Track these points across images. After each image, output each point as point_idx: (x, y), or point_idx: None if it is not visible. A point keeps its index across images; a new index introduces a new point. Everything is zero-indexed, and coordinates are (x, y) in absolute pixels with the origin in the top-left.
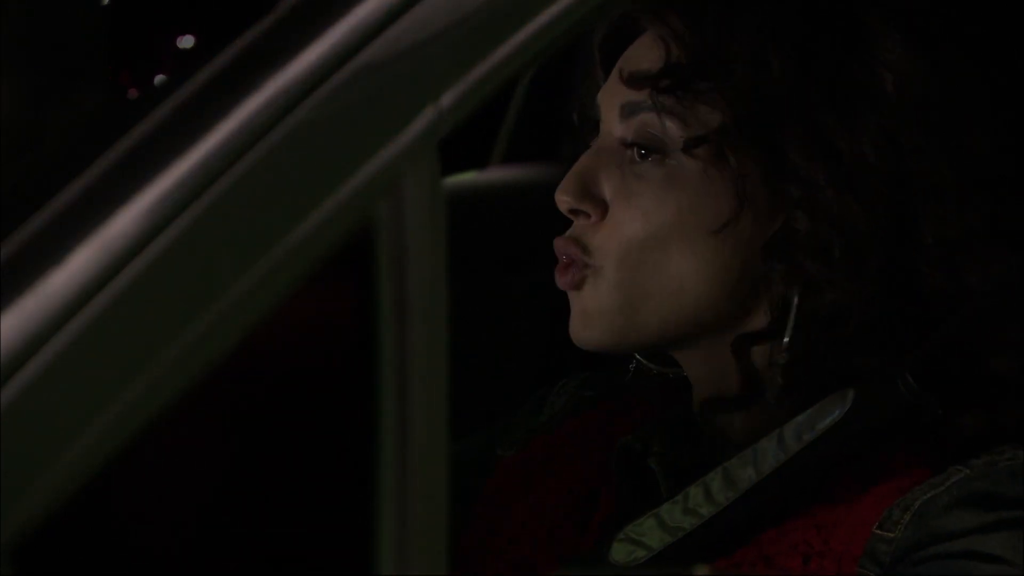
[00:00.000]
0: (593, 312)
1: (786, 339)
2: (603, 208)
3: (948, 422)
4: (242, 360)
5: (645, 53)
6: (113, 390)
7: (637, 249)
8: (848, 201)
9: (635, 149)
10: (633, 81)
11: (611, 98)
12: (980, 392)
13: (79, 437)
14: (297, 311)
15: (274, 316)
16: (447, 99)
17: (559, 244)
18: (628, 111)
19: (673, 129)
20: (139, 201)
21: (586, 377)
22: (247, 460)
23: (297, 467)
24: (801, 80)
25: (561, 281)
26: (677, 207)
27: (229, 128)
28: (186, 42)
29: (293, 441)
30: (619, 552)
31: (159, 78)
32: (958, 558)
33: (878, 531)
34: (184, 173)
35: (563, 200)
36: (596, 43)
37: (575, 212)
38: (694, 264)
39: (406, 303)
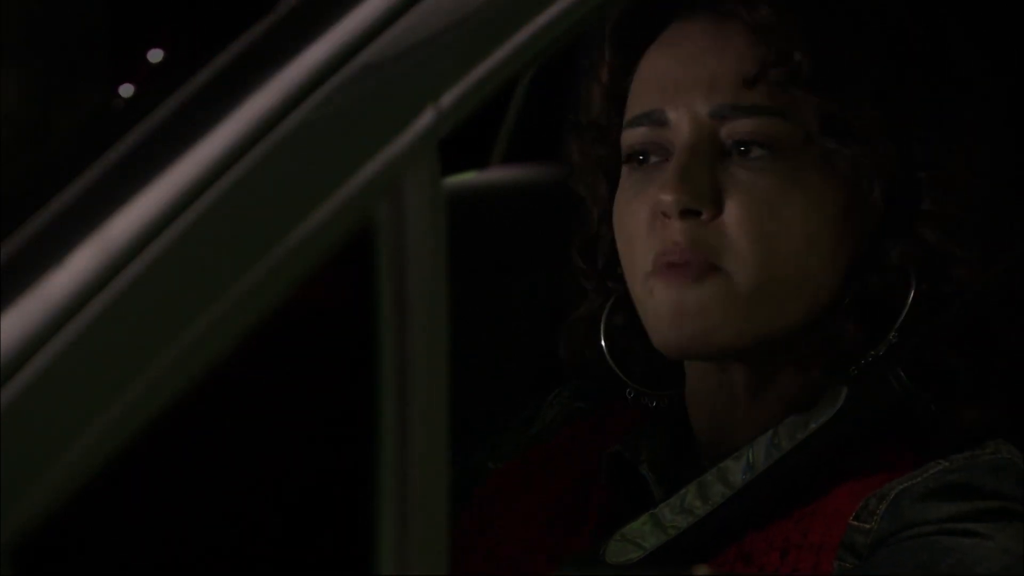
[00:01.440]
0: (704, 311)
1: (903, 313)
2: (717, 206)
3: (942, 417)
4: (242, 360)
5: (738, 49)
6: (113, 390)
7: (765, 248)
8: (975, 180)
9: (739, 146)
10: (754, 84)
11: (691, 99)
12: (980, 386)
13: (79, 437)
14: (297, 311)
15: (274, 316)
16: (447, 99)
17: (675, 251)
18: (725, 112)
19: (786, 126)
20: (139, 201)
21: (579, 386)
22: (247, 460)
23: (297, 467)
24: (910, 60)
25: (672, 278)
26: (803, 202)
27: (229, 128)
28: (155, 55)
29: (293, 441)
30: (614, 552)
31: (125, 87)
32: (932, 535)
33: (854, 522)
34: (184, 173)
35: (672, 200)
36: (610, 30)
37: (686, 213)
38: (818, 257)
39: (406, 303)
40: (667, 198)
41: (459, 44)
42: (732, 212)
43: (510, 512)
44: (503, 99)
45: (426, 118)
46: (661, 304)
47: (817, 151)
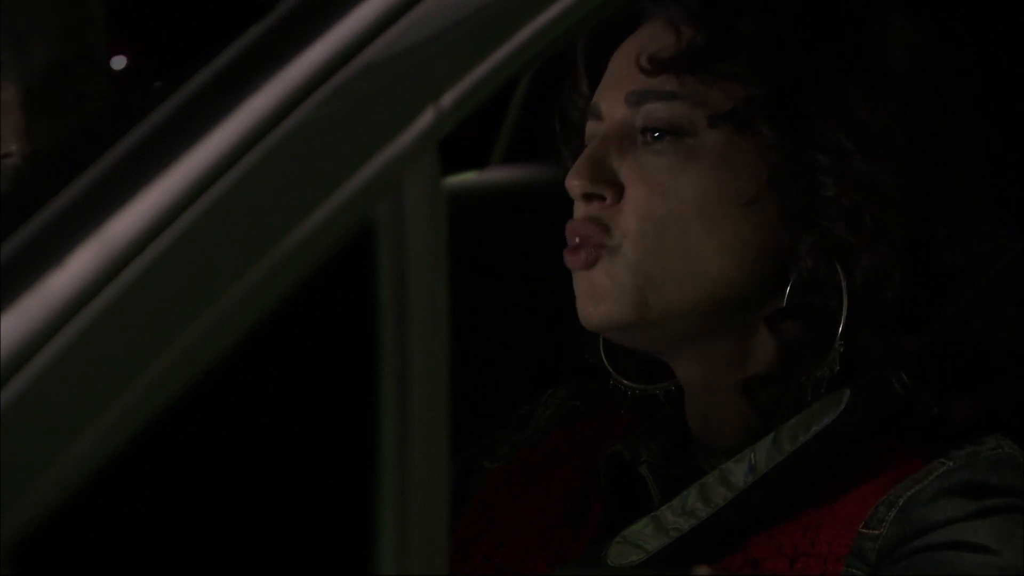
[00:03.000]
0: (605, 289)
1: (843, 314)
2: (619, 190)
3: (943, 415)
4: (242, 360)
5: (655, 39)
6: (113, 390)
7: (656, 227)
8: (875, 168)
9: (648, 133)
10: (654, 67)
11: (614, 88)
12: (977, 377)
13: (79, 437)
14: (297, 312)
15: (274, 317)
16: (447, 99)
17: (574, 226)
18: (636, 98)
19: (690, 111)
20: (139, 201)
21: (574, 387)
22: (248, 461)
23: (297, 467)
24: (817, 52)
25: (572, 261)
26: (697, 183)
27: (229, 128)
28: (118, 62)
29: (294, 441)
30: (616, 554)
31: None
32: (942, 549)
33: (864, 530)
34: (184, 174)
35: (576, 184)
36: (581, 42)
37: (589, 197)
38: (715, 241)
39: (406, 303)
40: (571, 182)
41: (459, 44)
42: (630, 194)
43: (509, 516)
44: (503, 99)
45: (426, 118)
46: (575, 285)
47: (717, 138)
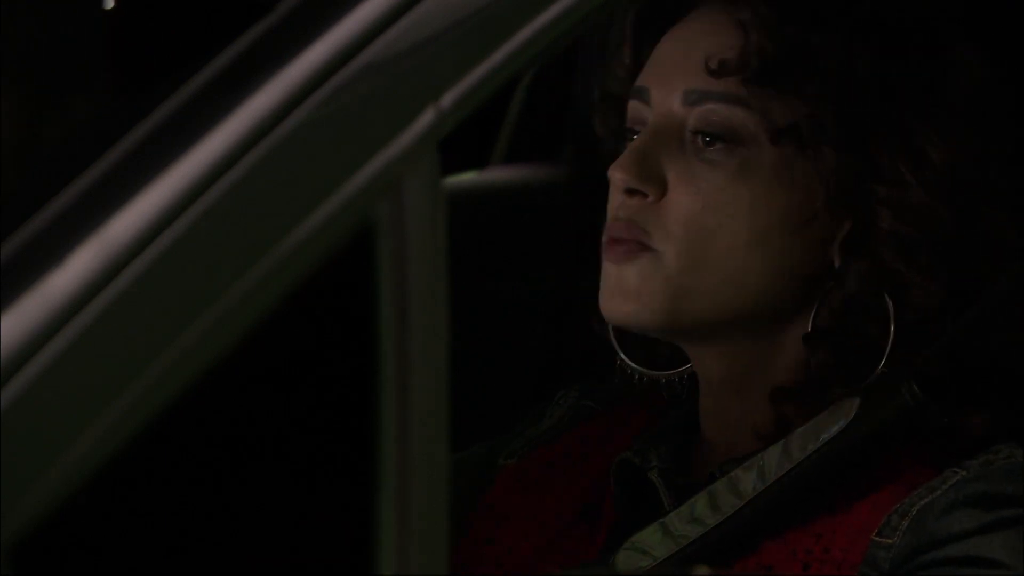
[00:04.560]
0: (634, 290)
1: (888, 344)
2: (662, 189)
3: (953, 426)
4: (242, 360)
5: (719, 35)
6: (113, 390)
7: (703, 239)
8: (935, 203)
9: (701, 136)
10: (720, 71)
11: (670, 81)
12: (988, 391)
13: (79, 437)
14: (297, 312)
15: (274, 317)
16: (447, 99)
17: (616, 226)
18: (695, 98)
19: (751, 120)
20: (139, 202)
21: (586, 386)
22: (248, 460)
23: (298, 467)
24: (887, 79)
25: (610, 252)
26: (750, 199)
27: (229, 128)
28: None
29: (294, 441)
30: (624, 561)
31: None
32: (959, 564)
33: (877, 538)
34: (184, 174)
35: (621, 178)
36: (631, 17)
37: (632, 192)
38: (761, 259)
39: (406, 303)
40: (616, 175)
41: (459, 44)
42: (675, 199)
43: (520, 518)
44: (503, 99)
45: (426, 118)
46: (605, 277)
47: (777, 154)
